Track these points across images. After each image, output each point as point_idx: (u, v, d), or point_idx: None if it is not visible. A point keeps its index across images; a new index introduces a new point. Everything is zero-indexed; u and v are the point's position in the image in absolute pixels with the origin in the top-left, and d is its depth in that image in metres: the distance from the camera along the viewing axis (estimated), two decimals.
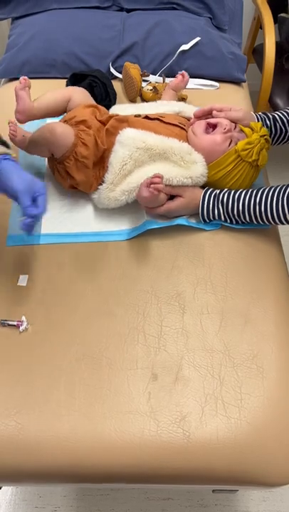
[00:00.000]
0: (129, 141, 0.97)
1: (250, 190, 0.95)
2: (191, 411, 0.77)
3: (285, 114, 1.07)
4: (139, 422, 0.77)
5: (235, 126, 1.03)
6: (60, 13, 1.39)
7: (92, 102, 1.10)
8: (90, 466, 0.76)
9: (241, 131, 1.02)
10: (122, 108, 1.14)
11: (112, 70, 1.33)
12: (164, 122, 1.04)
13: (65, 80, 1.27)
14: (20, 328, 0.86)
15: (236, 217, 0.96)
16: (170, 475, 0.76)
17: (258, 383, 0.80)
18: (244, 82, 1.41)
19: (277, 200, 0.90)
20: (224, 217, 0.97)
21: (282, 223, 0.93)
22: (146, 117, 1.05)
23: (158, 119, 1.05)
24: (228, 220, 0.98)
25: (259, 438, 0.76)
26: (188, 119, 1.10)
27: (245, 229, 0.99)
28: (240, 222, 0.97)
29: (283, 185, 0.92)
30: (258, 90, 1.59)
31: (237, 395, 0.79)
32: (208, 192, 0.98)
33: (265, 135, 1.00)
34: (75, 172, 0.97)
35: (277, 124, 1.06)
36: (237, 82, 1.39)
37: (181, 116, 1.11)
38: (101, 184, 1.00)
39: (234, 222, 0.98)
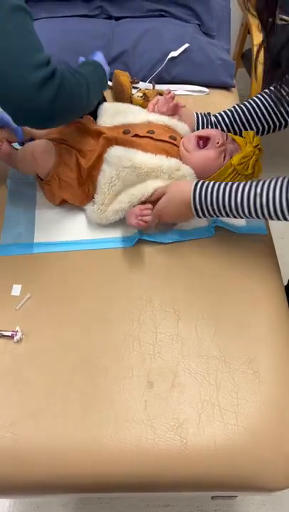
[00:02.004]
0: (115, 160, 0.95)
1: (249, 182, 0.87)
2: (187, 418, 0.77)
3: (229, 113, 1.07)
4: (136, 430, 0.76)
5: (227, 137, 1.00)
6: (49, 22, 1.40)
7: None
8: (87, 476, 0.76)
9: (233, 141, 1.00)
10: (109, 117, 1.09)
11: None
12: (154, 139, 1.01)
13: None
14: (15, 338, 0.85)
15: (234, 210, 0.87)
16: (168, 483, 0.76)
17: (255, 388, 0.80)
18: (233, 87, 1.42)
19: (281, 192, 0.81)
20: (218, 210, 0.88)
21: (285, 219, 0.83)
22: (136, 135, 1.01)
23: (148, 137, 1.01)
24: (224, 213, 0.89)
25: (256, 443, 0.76)
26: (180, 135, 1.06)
27: (239, 234, 0.99)
28: (232, 216, 0.89)
29: (285, 177, 0.83)
30: (248, 95, 1.60)
31: (234, 400, 0.79)
32: (200, 184, 0.90)
33: (258, 145, 0.98)
34: (60, 191, 0.98)
35: (219, 127, 1.06)
36: (226, 87, 1.40)
37: (172, 128, 1.06)
38: (93, 202, 0.99)
39: (231, 216, 0.89)
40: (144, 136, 1.01)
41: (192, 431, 0.76)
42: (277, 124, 1.04)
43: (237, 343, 0.85)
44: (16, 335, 0.85)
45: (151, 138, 1.01)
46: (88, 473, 0.76)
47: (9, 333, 0.86)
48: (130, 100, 1.28)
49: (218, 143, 0.97)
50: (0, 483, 0.77)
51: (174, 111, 1.09)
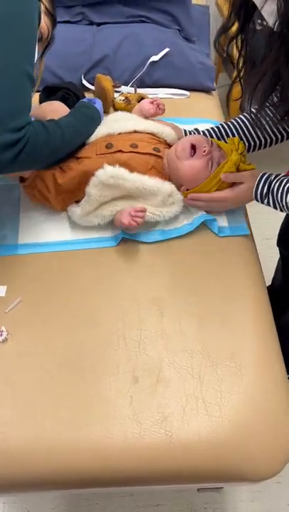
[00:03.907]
0: (110, 181, 0.94)
1: None
2: (172, 411, 0.79)
3: (216, 130, 1.09)
4: (122, 425, 0.77)
5: (212, 144, 1.00)
6: None
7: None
8: (75, 472, 0.76)
9: (219, 147, 1.00)
10: None
11: (85, 82, 1.36)
12: (139, 153, 0.99)
13: (38, 93, 1.29)
14: (0, 338, 0.86)
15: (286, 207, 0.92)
16: (154, 476, 0.77)
17: (237, 381, 0.81)
18: (214, 90, 1.45)
19: None
20: (277, 206, 0.94)
21: None
22: (120, 151, 0.98)
23: (132, 152, 0.98)
24: (283, 209, 0.94)
25: (240, 434, 0.77)
26: (166, 142, 1.06)
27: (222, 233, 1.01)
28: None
29: None
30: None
31: (217, 393, 0.80)
32: (265, 176, 0.95)
33: (243, 152, 0.99)
34: (38, 197, 1.01)
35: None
36: (207, 91, 1.43)
37: (158, 136, 1.05)
38: (77, 204, 1.00)
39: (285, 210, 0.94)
40: (127, 152, 0.99)
41: (177, 424, 0.77)
42: (268, 140, 1.06)
43: (219, 337, 0.86)
44: (1, 335, 0.86)
45: (135, 152, 0.99)
46: (75, 469, 0.76)
47: None
48: (113, 104, 1.31)
49: (204, 151, 0.97)
50: None
51: (156, 110, 1.10)
